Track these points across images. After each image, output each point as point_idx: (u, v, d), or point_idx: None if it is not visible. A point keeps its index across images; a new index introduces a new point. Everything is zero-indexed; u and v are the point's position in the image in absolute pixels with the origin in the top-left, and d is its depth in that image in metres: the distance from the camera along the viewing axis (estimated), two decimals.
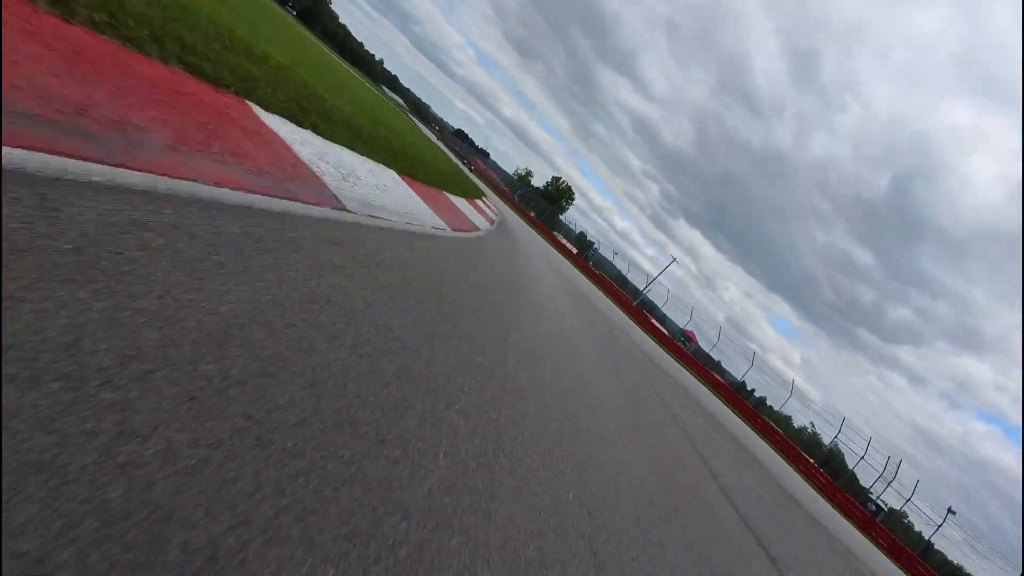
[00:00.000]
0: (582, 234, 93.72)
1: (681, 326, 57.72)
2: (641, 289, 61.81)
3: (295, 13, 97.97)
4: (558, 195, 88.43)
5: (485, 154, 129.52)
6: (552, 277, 13.37)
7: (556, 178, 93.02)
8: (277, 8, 42.22)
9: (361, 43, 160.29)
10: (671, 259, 61.07)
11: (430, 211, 6.06)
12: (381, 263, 2.93)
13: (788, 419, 45.29)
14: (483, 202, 15.84)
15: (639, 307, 52.88)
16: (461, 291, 3.92)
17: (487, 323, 3.66)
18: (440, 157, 20.60)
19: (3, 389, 0.85)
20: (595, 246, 72.48)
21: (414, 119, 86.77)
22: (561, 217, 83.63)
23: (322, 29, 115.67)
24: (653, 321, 53.16)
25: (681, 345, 50.13)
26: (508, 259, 8.79)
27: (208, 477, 1.00)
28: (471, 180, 24.18)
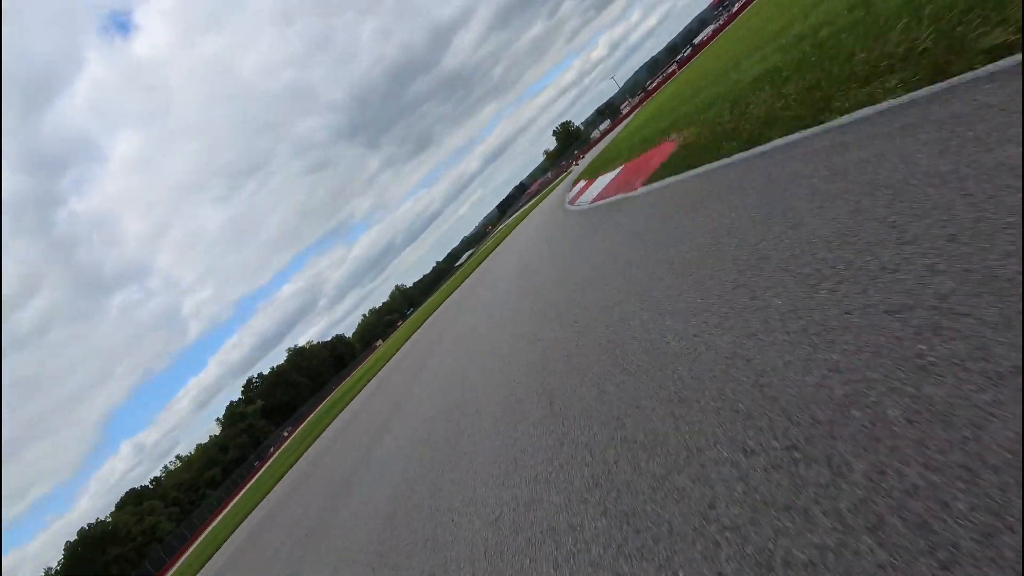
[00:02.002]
0: (601, 109, 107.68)
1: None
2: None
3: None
4: (569, 131, 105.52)
5: (519, 190, 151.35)
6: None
7: (553, 132, 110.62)
8: None
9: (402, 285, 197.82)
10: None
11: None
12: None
13: None
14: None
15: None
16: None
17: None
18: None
19: None
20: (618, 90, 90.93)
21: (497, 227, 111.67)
22: (585, 130, 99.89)
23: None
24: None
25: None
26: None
27: None
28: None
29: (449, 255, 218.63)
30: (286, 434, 68.55)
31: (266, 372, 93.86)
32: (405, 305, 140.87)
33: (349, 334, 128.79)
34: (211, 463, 76.08)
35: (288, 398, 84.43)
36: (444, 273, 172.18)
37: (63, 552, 60.85)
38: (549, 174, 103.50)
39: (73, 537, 61.53)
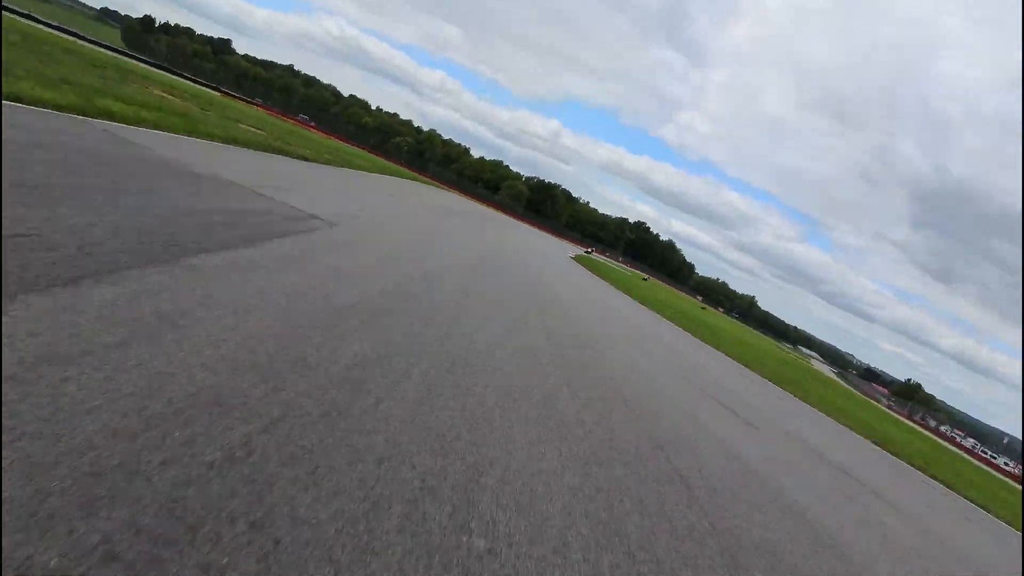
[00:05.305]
0: None
1: None
2: None
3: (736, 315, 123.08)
4: None
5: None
6: None
7: None
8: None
9: (770, 312, 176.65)
10: None
11: None
12: None
13: None
14: None
15: None
16: None
17: None
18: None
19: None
20: None
21: (826, 366, 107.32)
22: None
23: (738, 311, 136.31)
24: None
25: None
26: None
27: None
28: None
29: (815, 340, 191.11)
30: None
31: None
32: None
33: None
34: None
35: None
36: (789, 339, 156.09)
37: None
38: None
39: None
